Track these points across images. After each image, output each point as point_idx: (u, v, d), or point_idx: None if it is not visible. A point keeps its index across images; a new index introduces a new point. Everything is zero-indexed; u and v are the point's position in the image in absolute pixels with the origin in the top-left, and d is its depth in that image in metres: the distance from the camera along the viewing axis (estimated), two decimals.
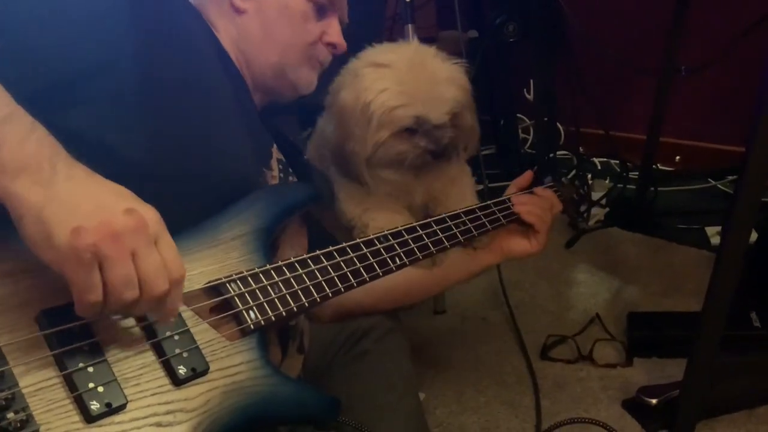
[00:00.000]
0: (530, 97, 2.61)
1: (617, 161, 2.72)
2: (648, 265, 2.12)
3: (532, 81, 2.53)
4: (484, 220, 1.20)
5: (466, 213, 1.18)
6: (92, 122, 0.83)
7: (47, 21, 0.82)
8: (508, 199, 1.27)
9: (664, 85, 2.19)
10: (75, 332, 0.71)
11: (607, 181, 2.64)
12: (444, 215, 1.15)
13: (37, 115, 0.70)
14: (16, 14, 0.79)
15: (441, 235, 1.11)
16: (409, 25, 1.95)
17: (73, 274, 0.65)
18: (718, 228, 2.25)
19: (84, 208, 0.66)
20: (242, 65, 1.12)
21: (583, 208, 1.46)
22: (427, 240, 1.09)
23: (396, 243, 1.04)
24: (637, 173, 2.44)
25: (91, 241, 0.64)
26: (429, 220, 1.12)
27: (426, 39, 2.47)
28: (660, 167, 2.67)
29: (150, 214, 0.70)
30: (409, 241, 1.06)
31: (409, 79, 1.16)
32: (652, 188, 2.37)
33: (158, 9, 0.93)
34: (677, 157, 2.74)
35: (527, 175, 1.35)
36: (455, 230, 1.14)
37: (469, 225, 1.17)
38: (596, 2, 2.65)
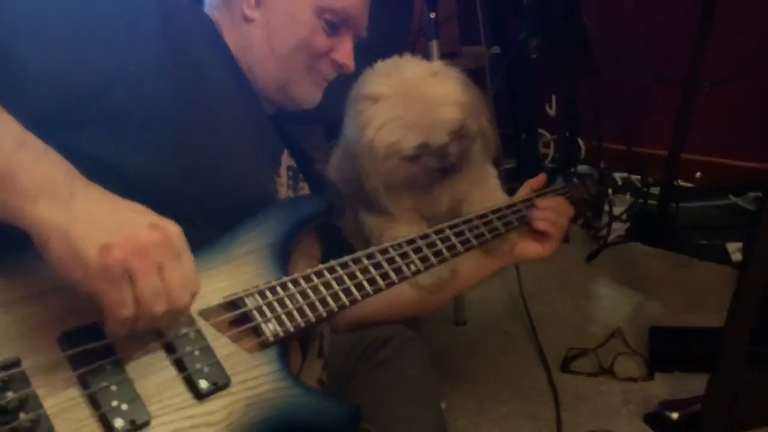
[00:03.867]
0: (552, 111, 2.63)
1: (638, 176, 2.72)
2: (669, 280, 2.12)
3: (554, 96, 2.54)
4: (497, 223, 1.20)
5: (480, 217, 1.19)
6: (102, 143, 0.84)
7: (46, 45, 0.81)
8: (521, 202, 1.28)
9: (687, 101, 2.19)
10: (96, 352, 0.72)
11: (628, 196, 2.64)
12: (458, 220, 1.15)
13: (45, 138, 0.70)
14: (15, 39, 0.78)
15: (454, 240, 1.11)
16: (434, 41, 1.97)
17: (105, 290, 0.66)
18: (739, 244, 2.24)
19: (108, 224, 0.67)
20: (247, 73, 1.10)
21: (604, 210, 1.45)
22: (441, 245, 1.09)
23: (410, 249, 1.05)
24: (658, 188, 2.44)
25: (120, 257, 0.65)
26: (443, 225, 1.12)
27: (449, 54, 2.51)
28: (681, 183, 2.66)
29: (173, 229, 0.71)
30: (423, 247, 1.07)
31: (405, 109, 1.14)
32: (674, 204, 2.37)
33: (164, 20, 0.92)
34: (698, 173, 2.74)
35: (541, 178, 1.35)
36: (468, 234, 1.14)
37: (483, 229, 1.17)
38: (619, 18, 2.67)
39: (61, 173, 0.68)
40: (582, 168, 2.70)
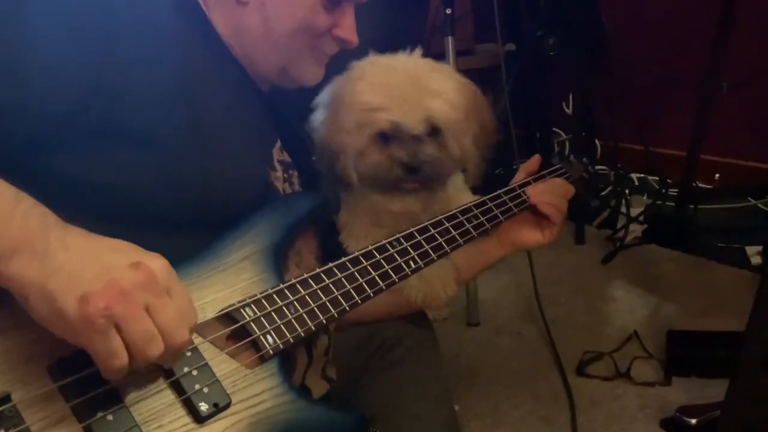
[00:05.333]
0: (569, 110, 2.60)
1: (655, 177, 2.69)
2: (686, 283, 2.09)
3: (570, 95, 2.52)
4: (496, 211, 1.15)
5: (477, 206, 1.13)
6: (89, 159, 0.80)
7: (9, 69, 0.76)
8: (518, 186, 1.23)
9: (705, 102, 2.16)
10: (90, 380, 0.69)
11: (645, 197, 2.61)
12: (455, 211, 1.10)
13: (24, 165, 0.68)
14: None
15: (454, 233, 1.07)
16: (449, 38, 1.96)
17: (92, 343, 0.63)
18: (758, 247, 2.21)
19: (87, 273, 0.64)
20: (242, 57, 1.03)
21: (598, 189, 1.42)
22: (440, 239, 1.04)
23: (409, 246, 1.00)
24: (675, 190, 2.41)
25: (102, 306, 0.62)
26: (440, 217, 1.07)
27: (463, 52, 2.49)
28: (699, 184, 2.63)
29: (157, 264, 0.67)
30: (422, 242, 1.02)
31: (396, 84, 1.12)
32: (692, 205, 2.34)
33: (144, 14, 0.87)
34: (716, 175, 2.71)
35: (535, 159, 1.30)
36: (468, 225, 1.09)
37: (482, 218, 1.12)
38: (638, 16, 2.64)
39: (35, 224, 0.65)
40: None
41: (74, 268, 0.64)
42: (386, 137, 1.12)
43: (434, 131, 1.12)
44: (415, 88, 1.11)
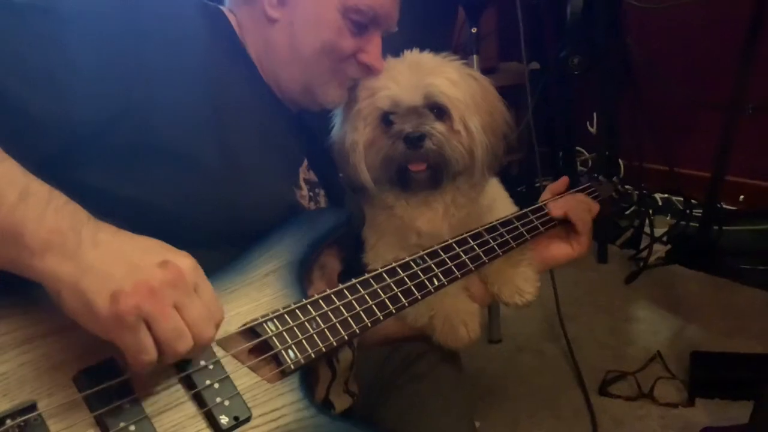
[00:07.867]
0: (593, 130, 2.60)
1: (679, 198, 2.68)
2: (710, 305, 2.08)
3: (595, 114, 2.52)
4: (522, 229, 1.14)
5: (503, 224, 1.13)
6: (116, 175, 0.82)
7: (43, 83, 0.78)
8: (545, 204, 1.23)
9: (731, 123, 2.15)
10: (114, 390, 0.70)
11: (668, 218, 2.60)
12: (480, 229, 1.10)
13: (54, 177, 0.69)
14: (9, 81, 0.76)
15: (479, 251, 1.06)
16: (474, 56, 1.97)
17: (122, 339, 0.65)
18: None
19: (117, 271, 0.66)
20: (269, 77, 1.05)
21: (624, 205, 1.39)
22: (464, 257, 1.03)
23: (433, 263, 1.00)
24: (700, 210, 2.40)
25: (132, 304, 0.64)
26: (465, 235, 1.07)
27: (487, 70, 2.51)
28: (724, 205, 2.61)
29: (185, 262, 0.69)
30: (447, 260, 1.02)
31: (396, 68, 1.12)
32: (716, 226, 2.32)
33: (178, 36, 0.90)
34: (741, 196, 2.68)
35: (563, 181, 1.30)
36: (493, 243, 1.08)
37: (507, 237, 1.11)
38: (663, 37, 2.64)
39: (67, 221, 0.67)
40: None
41: (105, 266, 0.66)
42: (389, 120, 1.11)
43: (438, 110, 1.11)
44: (415, 70, 1.11)
